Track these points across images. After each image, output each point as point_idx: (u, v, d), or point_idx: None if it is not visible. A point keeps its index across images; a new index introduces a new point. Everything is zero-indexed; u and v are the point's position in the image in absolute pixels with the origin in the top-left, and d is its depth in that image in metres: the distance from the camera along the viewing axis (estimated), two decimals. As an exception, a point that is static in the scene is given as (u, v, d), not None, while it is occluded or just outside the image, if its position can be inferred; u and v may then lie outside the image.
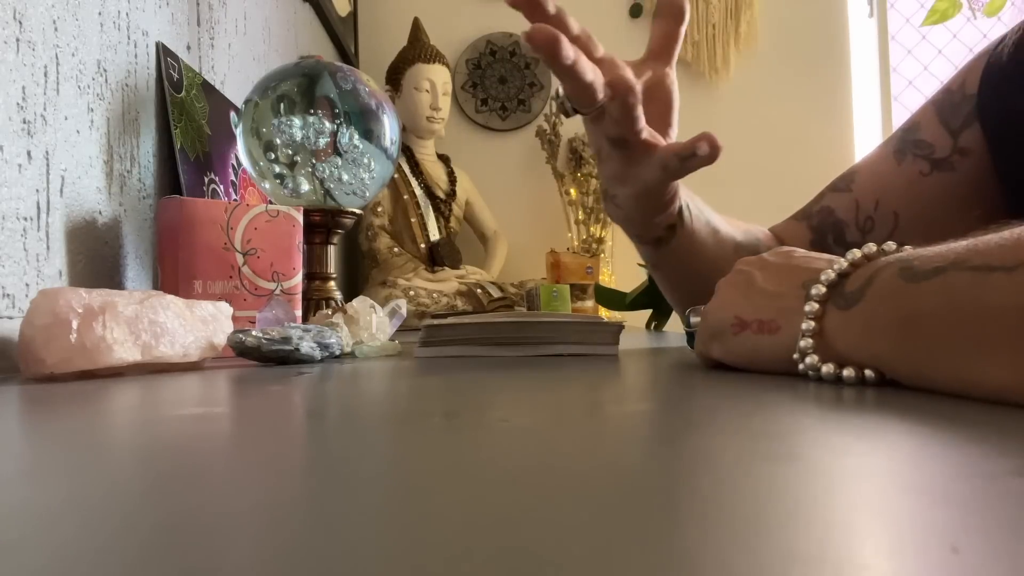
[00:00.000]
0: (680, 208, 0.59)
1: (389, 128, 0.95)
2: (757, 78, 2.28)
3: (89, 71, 0.69)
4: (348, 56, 2.02)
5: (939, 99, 0.64)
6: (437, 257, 1.87)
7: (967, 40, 2.34)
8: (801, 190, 2.37)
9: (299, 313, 0.74)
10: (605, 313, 1.76)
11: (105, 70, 0.72)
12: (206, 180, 0.90)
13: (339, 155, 0.90)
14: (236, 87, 1.12)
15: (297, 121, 0.88)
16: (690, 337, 0.44)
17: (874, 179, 0.66)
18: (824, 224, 0.66)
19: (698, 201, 0.62)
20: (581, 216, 2.13)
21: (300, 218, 0.74)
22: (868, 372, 0.33)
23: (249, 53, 1.21)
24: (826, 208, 0.67)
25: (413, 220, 1.91)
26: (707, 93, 2.27)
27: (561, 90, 0.48)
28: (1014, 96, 0.58)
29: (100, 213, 0.70)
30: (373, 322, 0.69)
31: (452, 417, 0.28)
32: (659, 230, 0.59)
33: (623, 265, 2.13)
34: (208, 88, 0.97)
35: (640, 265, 1.62)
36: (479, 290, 1.71)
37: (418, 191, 1.95)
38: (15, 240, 0.57)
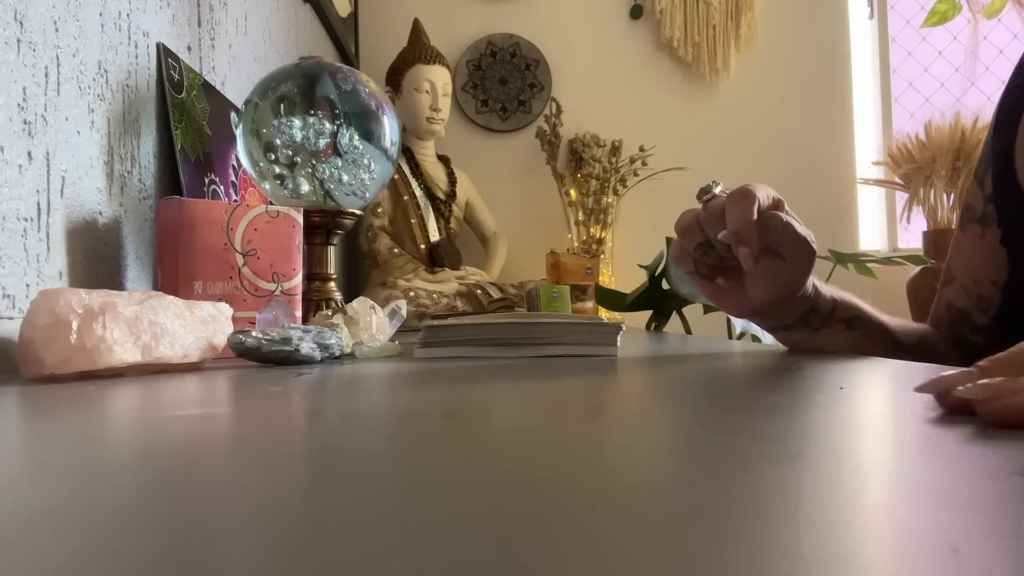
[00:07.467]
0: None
1: (389, 129, 0.95)
2: (757, 79, 2.28)
3: (90, 72, 0.69)
4: (348, 57, 2.02)
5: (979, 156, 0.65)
6: (437, 258, 1.87)
7: (967, 42, 2.34)
8: (801, 192, 2.37)
9: (299, 314, 0.74)
10: (605, 314, 1.76)
11: (106, 71, 0.72)
12: (206, 181, 0.90)
13: (339, 156, 0.90)
14: (236, 88, 1.12)
15: (297, 122, 0.88)
16: None
17: (960, 259, 0.66)
18: (954, 319, 0.66)
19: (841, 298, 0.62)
20: (581, 217, 2.13)
21: (300, 219, 0.74)
22: None
23: (250, 54, 1.21)
24: (948, 304, 0.67)
25: (413, 221, 1.91)
26: (707, 94, 2.27)
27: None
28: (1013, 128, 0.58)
29: (100, 214, 0.70)
30: (373, 323, 0.69)
31: (452, 418, 0.28)
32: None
33: (623, 266, 2.13)
34: (209, 89, 0.97)
35: (640, 266, 1.62)
36: (479, 291, 1.71)
37: (418, 192, 1.95)
38: (15, 241, 0.57)
